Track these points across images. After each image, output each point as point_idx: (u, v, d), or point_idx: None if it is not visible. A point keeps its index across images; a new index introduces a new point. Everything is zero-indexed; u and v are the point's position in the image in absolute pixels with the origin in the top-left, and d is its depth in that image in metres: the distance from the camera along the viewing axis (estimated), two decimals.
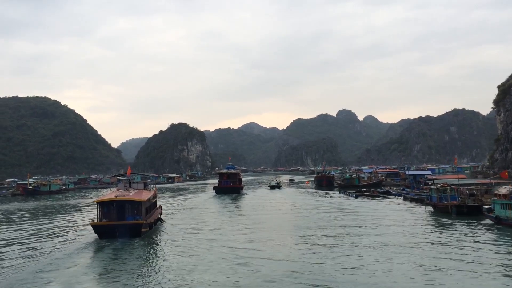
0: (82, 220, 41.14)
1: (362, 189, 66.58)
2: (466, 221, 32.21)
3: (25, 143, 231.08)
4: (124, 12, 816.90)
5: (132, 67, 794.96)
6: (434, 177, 64.21)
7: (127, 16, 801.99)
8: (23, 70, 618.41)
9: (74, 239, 29.44)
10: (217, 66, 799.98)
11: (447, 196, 37.02)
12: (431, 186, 41.48)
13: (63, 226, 37.38)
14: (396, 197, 57.32)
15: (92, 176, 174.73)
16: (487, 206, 31.53)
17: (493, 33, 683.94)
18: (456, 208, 34.96)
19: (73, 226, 36.92)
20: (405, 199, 53.02)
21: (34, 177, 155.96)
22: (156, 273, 19.68)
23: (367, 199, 56.20)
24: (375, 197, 58.29)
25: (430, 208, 39.87)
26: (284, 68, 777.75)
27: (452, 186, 38.06)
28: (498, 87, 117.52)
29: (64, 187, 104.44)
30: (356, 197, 58.25)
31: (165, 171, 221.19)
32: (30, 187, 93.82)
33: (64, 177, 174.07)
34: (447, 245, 23.69)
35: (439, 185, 39.02)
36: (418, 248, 23.07)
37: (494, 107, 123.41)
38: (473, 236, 26.14)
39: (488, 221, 31.21)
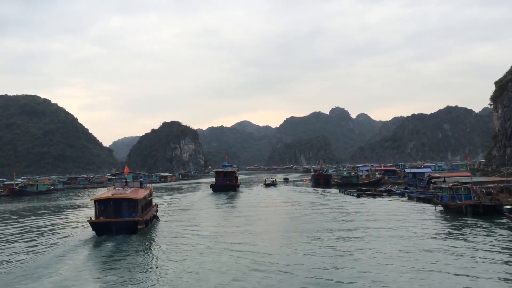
0: (67, 222, 38.44)
1: (363, 188, 64.28)
2: (484, 222, 29.88)
3: (15, 142, 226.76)
4: (118, 9, 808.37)
5: (126, 65, 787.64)
6: (437, 174, 62.03)
7: (121, 13, 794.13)
8: (15, 69, 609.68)
9: (71, 236, 29.67)
10: (212, 64, 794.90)
11: (460, 196, 34.69)
12: (442, 185, 39.13)
13: (44, 227, 34.64)
14: (401, 196, 54.99)
15: (82, 175, 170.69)
16: (508, 206, 29.23)
17: (486, 30, 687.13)
18: (471, 208, 32.68)
19: (60, 227, 34.19)
20: (410, 198, 50.75)
21: (23, 177, 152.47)
22: (151, 269, 19.69)
23: (370, 198, 53.91)
24: (377, 196, 56.04)
25: (440, 208, 37.61)
26: (278, 66, 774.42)
27: (466, 185, 35.73)
28: (496, 83, 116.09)
29: (52, 187, 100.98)
30: (358, 196, 55.93)
31: (157, 170, 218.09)
32: (16, 188, 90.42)
33: (54, 176, 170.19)
34: (474, 249, 21.39)
35: (450, 184, 36.70)
36: (441, 251, 20.95)
37: (491, 103, 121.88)
38: (498, 239, 23.83)
39: (509, 222, 28.90)
